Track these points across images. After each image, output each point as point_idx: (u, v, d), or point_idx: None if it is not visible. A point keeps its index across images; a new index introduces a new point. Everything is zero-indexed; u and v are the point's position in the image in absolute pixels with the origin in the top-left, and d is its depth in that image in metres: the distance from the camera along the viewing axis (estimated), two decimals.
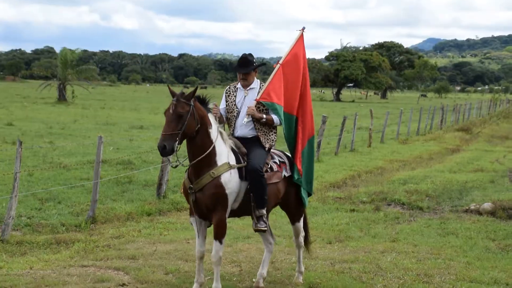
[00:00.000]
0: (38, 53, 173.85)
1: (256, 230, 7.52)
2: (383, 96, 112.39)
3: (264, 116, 7.64)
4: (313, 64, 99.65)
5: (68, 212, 11.53)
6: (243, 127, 7.62)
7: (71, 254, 8.98)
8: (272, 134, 7.76)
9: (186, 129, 6.80)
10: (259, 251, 9.32)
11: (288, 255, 9.17)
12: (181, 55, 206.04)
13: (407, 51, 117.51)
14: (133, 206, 12.15)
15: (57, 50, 77.15)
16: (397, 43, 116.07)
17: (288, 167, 7.82)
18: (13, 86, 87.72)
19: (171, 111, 6.80)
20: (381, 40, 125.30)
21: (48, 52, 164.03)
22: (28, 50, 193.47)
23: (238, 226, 11.07)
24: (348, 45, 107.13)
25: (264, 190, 7.34)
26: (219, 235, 7.20)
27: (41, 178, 14.23)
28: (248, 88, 7.74)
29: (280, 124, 7.65)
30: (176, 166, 7.24)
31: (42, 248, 9.29)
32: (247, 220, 11.55)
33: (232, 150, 7.36)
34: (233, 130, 7.71)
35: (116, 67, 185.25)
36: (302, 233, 8.36)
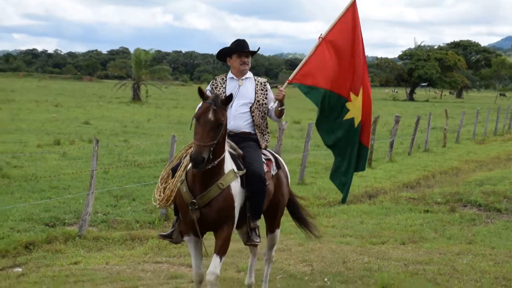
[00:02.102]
0: (113, 54, 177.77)
1: (248, 245, 6.67)
2: (459, 95, 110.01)
3: (284, 106, 6.84)
4: (386, 63, 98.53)
5: (142, 209, 11.72)
6: (237, 119, 6.67)
7: (145, 250, 9.12)
8: (267, 134, 6.95)
9: (220, 138, 5.90)
10: (330, 251, 9.25)
11: (361, 255, 9.06)
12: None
13: (484, 50, 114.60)
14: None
15: (132, 50, 78.52)
16: (474, 42, 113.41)
17: (274, 165, 6.90)
18: (90, 86, 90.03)
19: (211, 117, 5.81)
20: (457, 39, 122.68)
21: (123, 52, 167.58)
22: (104, 51, 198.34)
23: None
24: (422, 44, 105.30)
25: (264, 199, 6.48)
26: (223, 251, 6.24)
27: (116, 175, 14.53)
28: (243, 77, 6.84)
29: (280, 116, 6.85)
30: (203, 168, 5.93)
31: (118, 244, 9.47)
32: (318, 220, 11.49)
33: (230, 154, 6.36)
34: None
35: (188, 67, 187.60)
36: (275, 247, 7.42)
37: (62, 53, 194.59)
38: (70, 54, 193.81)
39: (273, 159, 6.92)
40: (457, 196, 13.66)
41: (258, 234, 6.54)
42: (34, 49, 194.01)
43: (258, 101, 6.77)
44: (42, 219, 10.40)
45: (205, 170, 5.90)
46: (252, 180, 6.32)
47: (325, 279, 7.92)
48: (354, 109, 7.15)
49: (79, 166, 15.48)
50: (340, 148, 7.37)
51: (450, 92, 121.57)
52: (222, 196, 6.07)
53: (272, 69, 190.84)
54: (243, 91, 6.76)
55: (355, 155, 7.42)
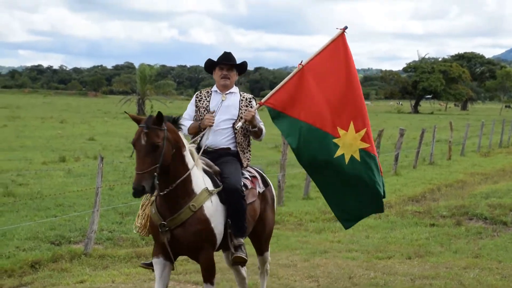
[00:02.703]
0: (118, 69, 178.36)
1: (234, 261, 6.31)
2: (464, 107, 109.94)
3: (261, 124, 6.61)
4: (390, 76, 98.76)
5: None
6: (217, 135, 6.44)
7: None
8: (248, 152, 6.70)
9: (163, 160, 5.53)
10: (336, 266, 9.23)
11: (367, 270, 9.04)
12: (257, 69, 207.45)
13: (489, 62, 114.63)
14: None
15: (136, 65, 78.82)
16: (478, 54, 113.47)
17: (260, 182, 6.68)
18: (95, 102, 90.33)
19: (143, 142, 5.46)
20: (462, 51, 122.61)
21: (128, 67, 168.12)
22: (109, 66, 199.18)
23: (315, 240, 11.00)
24: (426, 56, 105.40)
25: (244, 214, 6.16)
26: (209, 276, 6.06)
27: (121, 192, 14.54)
28: (227, 92, 6.62)
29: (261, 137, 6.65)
30: (154, 195, 5.84)
31: (123, 261, 9.47)
32: (324, 235, 11.48)
33: (205, 171, 6.14)
34: (200, 139, 6.44)
35: (193, 82, 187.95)
36: (269, 260, 7.27)
37: (67, 69, 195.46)
38: (75, 70, 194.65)
39: (258, 177, 6.70)
40: (462, 210, 13.62)
41: (243, 250, 6.24)
42: (39, 65, 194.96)
43: (241, 117, 6.52)
44: (48, 237, 10.41)
45: (169, 192, 5.70)
46: (228, 194, 6.08)
47: None
48: (344, 146, 6.66)
49: (84, 183, 15.50)
50: (335, 186, 6.91)
51: (455, 104, 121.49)
52: (195, 218, 5.81)
53: (276, 82, 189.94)
54: (226, 105, 6.55)
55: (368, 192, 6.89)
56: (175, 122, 5.89)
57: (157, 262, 6.03)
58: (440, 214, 13.44)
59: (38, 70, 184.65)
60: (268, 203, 6.80)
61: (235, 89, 6.69)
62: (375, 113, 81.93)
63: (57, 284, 8.14)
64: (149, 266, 6.34)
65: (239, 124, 6.43)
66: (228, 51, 6.72)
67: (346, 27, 6.83)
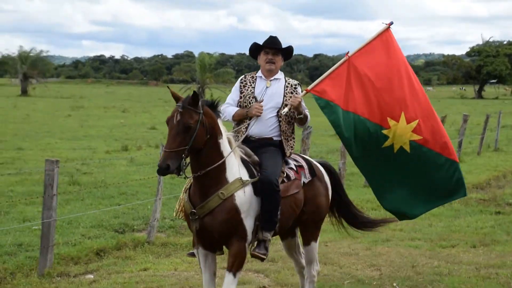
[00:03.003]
0: (178, 58, 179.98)
1: (253, 256, 6.06)
2: None
3: (306, 111, 6.38)
4: (453, 61, 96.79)
5: None
6: (260, 124, 6.24)
7: None
8: (292, 140, 6.46)
9: (195, 143, 5.46)
10: (399, 255, 9.12)
11: (430, 259, 8.90)
12: (316, 56, 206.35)
13: None
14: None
15: (196, 54, 79.47)
16: None
17: (307, 171, 6.42)
18: (156, 91, 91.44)
19: (176, 121, 5.43)
20: None
21: (188, 56, 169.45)
22: (169, 55, 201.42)
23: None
24: (491, 40, 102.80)
25: (276, 209, 5.94)
26: (236, 267, 5.79)
27: (183, 181, 14.59)
28: (272, 78, 6.41)
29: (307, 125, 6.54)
30: (182, 177, 5.64)
31: (186, 249, 9.55)
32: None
33: (243, 160, 5.98)
34: (246, 128, 6.27)
35: (252, 69, 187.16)
36: (317, 266, 6.82)
37: (129, 59, 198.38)
38: (136, 59, 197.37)
39: (306, 166, 6.45)
40: None
41: (266, 247, 6.00)
42: (101, 55, 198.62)
43: (287, 105, 6.32)
44: (112, 225, 10.61)
45: (201, 179, 5.63)
46: (262, 186, 5.88)
47: (394, 284, 7.81)
48: (394, 137, 6.54)
49: (147, 172, 15.73)
50: (385, 174, 6.78)
51: None
52: (224, 207, 5.66)
53: None
54: (271, 93, 6.35)
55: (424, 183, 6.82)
56: (214, 107, 5.82)
57: (197, 253, 5.99)
58: (506, 201, 13.15)
59: (100, 60, 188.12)
60: (319, 193, 6.51)
61: (280, 74, 6.48)
62: (437, 99, 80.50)
63: (121, 272, 8.28)
64: (193, 255, 6.28)
65: (285, 110, 6.26)
66: (274, 35, 6.51)
67: (391, 23, 6.80)
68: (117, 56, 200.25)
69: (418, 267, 8.55)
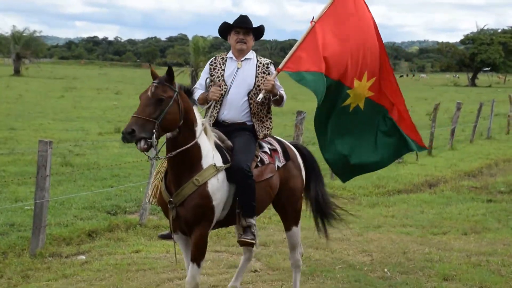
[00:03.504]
0: (172, 41, 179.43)
1: (241, 243, 6.01)
2: None
3: (281, 91, 6.20)
4: (447, 48, 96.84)
5: None
6: (231, 108, 6.08)
7: None
8: (268, 120, 6.31)
9: (166, 120, 5.25)
10: (390, 241, 9.15)
11: (421, 246, 8.94)
12: None
13: None
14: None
15: (190, 37, 79.23)
16: None
17: (281, 155, 6.25)
18: (149, 73, 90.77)
19: (149, 93, 5.32)
20: None
21: (182, 39, 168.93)
22: (163, 38, 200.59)
23: (368, 214, 10.93)
24: (485, 27, 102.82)
25: (252, 195, 5.80)
26: (198, 256, 5.68)
27: None
28: (242, 59, 6.22)
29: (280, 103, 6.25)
30: (154, 159, 5.58)
31: None
32: (377, 209, 11.38)
33: (216, 145, 5.82)
34: (217, 112, 6.13)
35: None
36: (301, 248, 6.82)
37: (122, 41, 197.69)
38: (130, 41, 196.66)
39: (280, 150, 6.28)
40: None
41: (253, 232, 5.88)
42: (95, 37, 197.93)
43: (259, 85, 6.13)
44: (104, 207, 10.60)
45: (177, 166, 5.50)
46: (234, 174, 5.74)
47: (385, 270, 7.85)
48: (355, 96, 6.57)
49: (139, 154, 15.64)
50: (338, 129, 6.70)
51: None
52: (197, 193, 5.53)
53: None
54: (241, 74, 6.15)
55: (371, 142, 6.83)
56: (190, 93, 5.66)
57: (178, 238, 5.88)
58: (498, 189, 13.20)
59: (94, 42, 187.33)
60: (292, 175, 6.36)
61: (251, 54, 6.28)
62: (430, 86, 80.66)
63: (113, 253, 8.29)
64: (167, 237, 6.24)
65: (260, 96, 6.07)
66: (244, 14, 6.31)
67: None
68: (111, 38, 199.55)
69: (409, 253, 8.59)
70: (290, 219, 6.54)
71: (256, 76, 6.19)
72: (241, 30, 6.20)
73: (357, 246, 8.88)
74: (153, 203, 6.10)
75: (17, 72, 67.92)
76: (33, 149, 13.65)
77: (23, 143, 17.45)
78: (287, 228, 6.59)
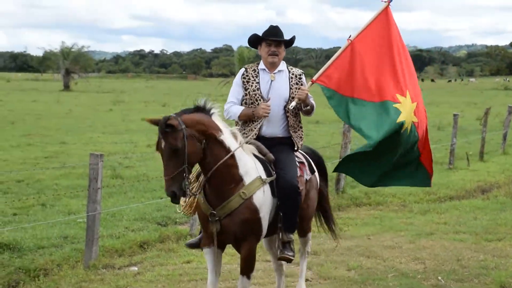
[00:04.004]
0: (217, 52, 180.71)
1: (282, 259, 6.03)
2: None
3: (312, 100, 6.13)
4: (496, 51, 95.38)
5: None
6: (272, 123, 5.95)
7: None
8: (300, 130, 6.24)
9: (191, 158, 5.21)
10: (443, 248, 9.00)
11: (476, 253, 8.76)
12: None
13: None
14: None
15: (235, 48, 79.70)
16: None
17: (307, 168, 6.29)
18: (195, 85, 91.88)
19: (162, 146, 5.22)
20: None
21: (226, 50, 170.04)
22: (208, 49, 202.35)
23: (420, 222, 10.78)
24: None
25: (297, 210, 5.87)
26: (248, 269, 5.73)
27: None
28: (276, 71, 6.09)
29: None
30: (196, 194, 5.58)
31: None
32: (429, 216, 11.22)
33: (258, 158, 5.76)
34: (258, 129, 6.01)
35: (291, 62, 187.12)
36: (309, 247, 6.96)
37: (168, 53, 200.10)
38: (176, 54, 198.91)
39: (306, 163, 6.31)
40: None
41: (292, 248, 5.95)
42: (141, 50, 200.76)
43: (293, 97, 6.05)
44: (155, 218, 10.69)
45: (215, 179, 5.42)
46: (284, 189, 5.73)
47: (439, 278, 7.72)
48: (405, 112, 6.32)
49: None
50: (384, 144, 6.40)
51: None
52: (245, 206, 5.46)
53: None
54: (276, 87, 6.03)
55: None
56: (202, 109, 5.49)
57: (209, 252, 5.80)
58: None
59: (140, 55, 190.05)
60: (313, 186, 6.43)
61: (283, 65, 6.16)
62: (480, 90, 79.30)
63: (165, 264, 8.34)
64: (194, 247, 6.24)
65: (293, 104, 5.97)
66: (275, 25, 6.14)
67: (391, 0, 6.63)
68: (157, 51, 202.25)
69: (463, 260, 8.43)
70: (306, 227, 6.62)
71: (290, 88, 6.12)
72: (273, 42, 6.06)
73: (409, 254, 8.75)
74: (187, 213, 6.07)
75: (66, 87, 69.24)
76: (84, 162, 13.87)
77: (74, 157, 17.73)
78: (303, 235, 6.71)
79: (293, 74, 6.19)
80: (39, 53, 79.36)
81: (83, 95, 56.19)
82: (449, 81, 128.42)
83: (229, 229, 5.53)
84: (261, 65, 6.13)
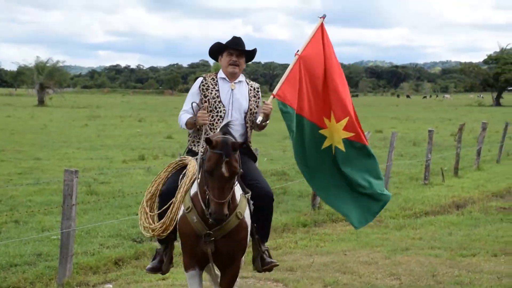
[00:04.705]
0: (193, 67, 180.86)
1: (267, 270, 5.97)
2: None
3: (268, 120, 6.09)
4: (470, 68, 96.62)
5: None
6: (235, 133, 5.61)
7: None
8: (250, 143, 6.21)
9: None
10: (418, 264, 9.02)
11: (450, 268, 8.79)
12: None
13: None
14: (288, 217, 12.20)
15: (211, 63, 79.78)
16: None
17: None
18: (171, 100, 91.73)
19: (225, 172, 4.90)
20: None
21: (203, 65, 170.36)
22: (185, 64, 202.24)
23: (396, 237, 10.81)
24: (508, 47, 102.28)
25: (271, 218, 5.89)
26: (233, 284, 5.62)
27: None
28: (236, 81, 6.04)
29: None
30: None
31: None
32: (405, 231, 11.26)
33: None
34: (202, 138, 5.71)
35: (267, 78, 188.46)
36: None
37: (144, 68, 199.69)
38: (152, 69, 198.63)
39: None
40: None
41: (270, 255, 5.94)
42: (117, 65, 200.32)
43: (251, 109, 6.03)
44: (130, 235, 10.59)
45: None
46: (261, 199, 5.67)
47: None
48: (331, 136, 6.59)
49: None
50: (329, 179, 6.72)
51: None
52: (240, 226, 5.30)
53: (352, 77, 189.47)
54: (237, 97, 5.95)
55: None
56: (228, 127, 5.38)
57: (194, 275, 5.50)
58: None
59: (116, 70, 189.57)
60: None
61: (242, 77, 6.13)
62: (454, 106, 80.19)
63: (140, 281, 8.26)
64: (156, 271, 6.02)
65: (260, 118, 5.90)
66: (238, 36, 6.09)
67: (324, 15, 6.69)
68: (133, 66, 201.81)
69: (438, 276, 8.45)
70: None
71: (249, 100, 6.08)
72: (235, 52, 6.03)
73: (385, 270, 8.76)
74: (156, 235, 5.70)
75: (41, 102, 68.75)
76: (58, 178, 13.74)
77: (48, 173, 17.56)
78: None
79: (251, 86, 6.17)
80: (13, 67, 78.75)
81: (58, 110, 55.78)
82: (424, 97, 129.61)
83: (223, 249, 5.30)
84: (221, 74, 6.08)
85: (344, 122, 6.55)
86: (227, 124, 5.32)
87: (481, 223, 11.90)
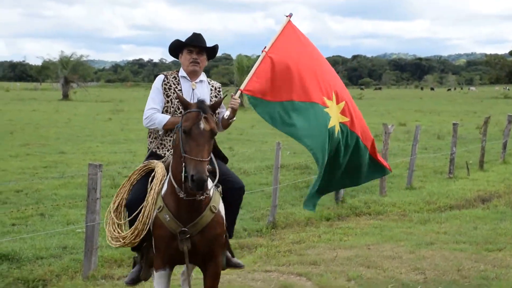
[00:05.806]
0: (216, 61, 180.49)
1: (235, 267, 5.87)
2: None
3: (235, 117, 5.92)
4: (495, 60, 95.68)
5: (249, 217, 11.79)
6: None
7: (254, 259, 9.15)
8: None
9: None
10: (443, 258, 8.96)
11: (476, 263, 8.72)
12: (354, 57, 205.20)
13: None
14: (312, 211, 12.15)
15: (234, 56, 79.91)
16: None
17: None
18: None
19: (203, 127, 4.80)
20: None
21: (225, 59, 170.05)
22: None
23: (420, 231, 10.73)
24: None
25: (238, 213, 5.86)
26: (217, 285, 5.40)
27: None
28: (197, 80, 5.85)
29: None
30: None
31: None
32: (429, 226, 11.19)
33: None
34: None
35: None
36: None
37: (167, 62, 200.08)
38: (175, 63, 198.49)
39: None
40: None
41: (233, 253, 5.87)
42: (140, 59, 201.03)
43: (229, 107, 5.84)
44: None
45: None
46: (234, 193, 5.56)
47: None
48: (333, 116, 6.50)
49: None
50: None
51: None
52: (215, 221, 5.11)
53: (375, 70, 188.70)
54: (198, 97, 5.57)
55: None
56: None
57: (164, 275, 5.28)
58: None
59: (139, 64, 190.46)
60: None
61: (203, 76, 5.96)
62: (479, 99, 79.36)
63: None
64: (136, 282, 5.75)
65: (228, 114, 5.73)
66: (198, 32, 5.89)
67: (291, 14, 6.78)
68: (156, 60, 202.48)
69: (463, 270, 8.39)
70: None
71: (211, 100, 5.90)
72: (195, 50, 5.83)
73: (409, 264, 8.71)
74: (129, 244, 5.36)
75: (65, 96, 69.24)
76: (83, 172, 13.86)
77: (73, 166, 17.71)
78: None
79: (213, 86, 6.03)
80: (38, 62, 79.61)
81: (82, 105, 56.19)
82: (449, 89, 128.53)
83: (200, 246, 5.12)
84: (182, 73, 5.88)
85: (342, 105, 6.66)
86: (201, 101, 5.06)
87: (507, 217, 11.78)
